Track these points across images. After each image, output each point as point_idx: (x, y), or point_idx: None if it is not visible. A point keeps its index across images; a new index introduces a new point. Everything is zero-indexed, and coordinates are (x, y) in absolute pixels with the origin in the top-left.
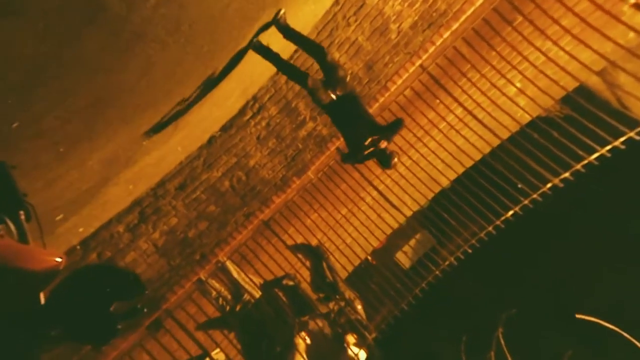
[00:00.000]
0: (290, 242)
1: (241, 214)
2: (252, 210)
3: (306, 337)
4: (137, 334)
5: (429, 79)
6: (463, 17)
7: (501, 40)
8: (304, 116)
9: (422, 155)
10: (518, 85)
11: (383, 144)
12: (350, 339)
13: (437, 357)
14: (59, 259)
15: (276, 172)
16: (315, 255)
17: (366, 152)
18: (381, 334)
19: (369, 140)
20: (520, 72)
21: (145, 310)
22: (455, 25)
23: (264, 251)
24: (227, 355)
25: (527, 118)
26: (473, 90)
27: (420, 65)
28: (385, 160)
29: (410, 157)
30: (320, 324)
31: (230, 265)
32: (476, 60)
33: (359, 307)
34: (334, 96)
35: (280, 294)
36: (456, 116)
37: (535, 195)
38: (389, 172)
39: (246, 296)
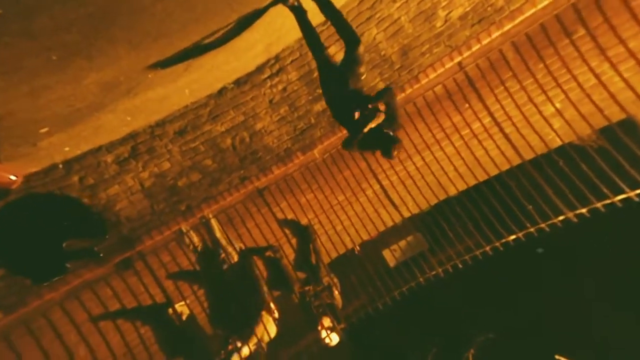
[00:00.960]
0: (280, 215)
1: (237, 175)
2: (249, 175)
3: (275, 311)
4: (104, 269)
5: (464, 79)
6: (519, 19)
7: (554, 53)
8: None
9: (435, 158)
10: (558, 105)
11: (379, 116)
12: (326, 321)
13: None
14: (12, 177)
15: (281, 142)
16: (303, 234)
17: (364, 130)
18: (350, 327)
19: (358, 114)
20: (564, 92)
21: (101, 255)
22: (508, 26)
23: (252, 218)
24: (191, 311)
25: (557, 142)
26: (508, 101)
27: (459, 63)
28: (386, 147)
29: (423, 158)
30: (293, 301)
31: (214, 223)
32: (520, 69)
33: (336, 293)
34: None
35: (260, 263)
36: (482, 125)
37: (543, 225)
38: (396, 169)
39: (224, 257)
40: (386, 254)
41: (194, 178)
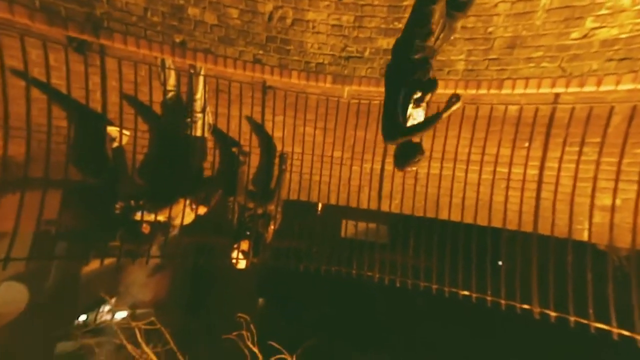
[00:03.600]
0: (268, 125)
1: (253, 51)
2: (265, 61)
3: (204, 207)
4: (56, 30)
5: (547, 115)
6: None
7: None
8: (400, 27)
9: (452, 176)
10: (618, 202)
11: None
12: (244, 245)
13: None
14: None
15: (320, 51)
16: (278, 158)
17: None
18: (262, 266)
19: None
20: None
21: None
22: None
23: (240, 106)
24: (122, 144)
25: (583, 237)
26: (570, 166)
27: (556, 95)
28: (405, 154)
29: (441, 168)
30: (228, 207)
31: (201, 81)
32: (613, 141)
33: (271, 227)
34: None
35: (219, 152)
36: (523, 173)
37: (503, 301)
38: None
39: (188, 121)
40: (344, 223)
41: (208, 19)
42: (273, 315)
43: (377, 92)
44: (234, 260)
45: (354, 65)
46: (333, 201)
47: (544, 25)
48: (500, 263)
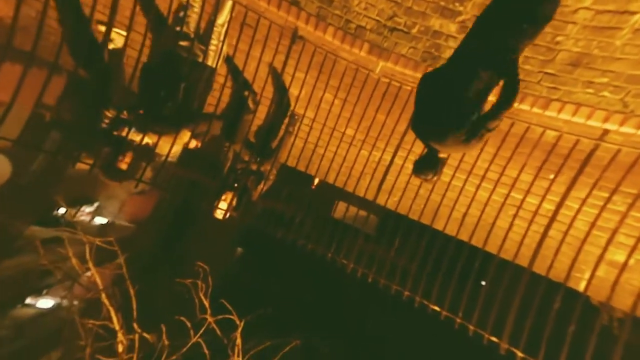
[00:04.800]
0: (287, 78)
1: None
2: (304, 3)
3: (198, 143)
4: None
5: (584, 150)
6: None
7: None
8: (460, 9)
9: (461, 187)
10: (632, 260)
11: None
12: (228, 196)
13: None
14: None
15: (365, 15)
16: (288, 118)
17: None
18: (242, 222)
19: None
20: None
21: None
22: None
23: (264, 45)
24: (123, 48)
25: (579, 287)
26: (590, 211)
27: (604, 131)
28: (427, 163)
29: (452, 177)
30: (223, 151)
31: (228, 6)
32: None
33: (261, 187)
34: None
35: (229, 91)
36: (538, 205)
37: (472, 327)
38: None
39: (203, 47)
40: (337, 205)
41: None
42: (245, 272)
43: (412, 77)
44: (214, 209)
45: (396, 40)
46: (330, 180)
47: (624, 47)
48: (483, 283)
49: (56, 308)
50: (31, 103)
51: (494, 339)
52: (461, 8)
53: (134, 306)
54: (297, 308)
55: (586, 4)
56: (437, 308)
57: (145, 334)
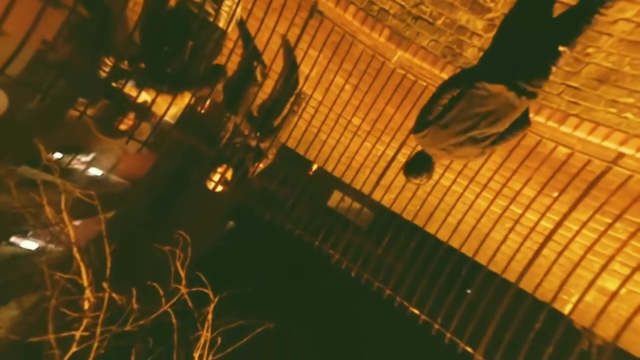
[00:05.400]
0: (299, 53)
1: None
2: None
3: (202, 108)
4: None
5: (594, 171)
6: None
7: None
8: (490, 6)
9: (460, 194)
10: (623, 290)
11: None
12: (222, 168)
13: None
14: None
15: (388, 1)
16: (293, 95)
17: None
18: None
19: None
20: None
21: None
22: None
23: (280, 16)
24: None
25: (565, 309)
26: (589, 234)
27: (619, 155)
28: (418, 166)
29: (452, 182)
30: (222, 121)
31: None
32: None
33: (258, 165)
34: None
35: (236, 60)
36: (536, 222)
37: (448, 335)
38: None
39: (214, 9)
40: (334, 194)
41: None
42: (232, 246)
43: (429, 72)
44: (207, 181)
45: (419, 29)
46: (329, 168)
47: None
48: (468, 291)
49: (40, 252)
50: (37, 42)
51: (469, 349)
52: (492, 4)
53: (108, 264)
54: (277, 291)
55: (628, 15)
56: (416, 311)
57: (114, 295)
